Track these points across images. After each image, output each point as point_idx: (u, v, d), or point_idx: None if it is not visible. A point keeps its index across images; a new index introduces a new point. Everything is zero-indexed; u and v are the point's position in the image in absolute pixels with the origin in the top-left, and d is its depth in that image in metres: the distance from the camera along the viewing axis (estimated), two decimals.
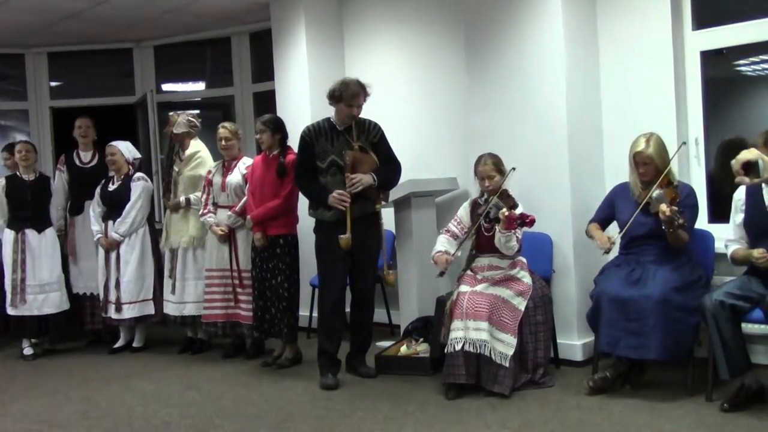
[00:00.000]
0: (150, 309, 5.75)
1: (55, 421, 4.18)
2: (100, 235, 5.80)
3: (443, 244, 4.55)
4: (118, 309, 5.69)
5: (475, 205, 4.57)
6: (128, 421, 4.13)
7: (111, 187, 5.86)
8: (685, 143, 4.47)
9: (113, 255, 5.76)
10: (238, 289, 5.36)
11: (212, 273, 5.45)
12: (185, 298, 5.61)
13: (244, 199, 5.30)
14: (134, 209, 5.75)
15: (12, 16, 6.36)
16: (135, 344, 5.88)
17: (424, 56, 5.88)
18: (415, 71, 5.94)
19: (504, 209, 4.17)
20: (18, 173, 5.98)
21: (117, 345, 5.92)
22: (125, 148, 5.93)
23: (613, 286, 4.07)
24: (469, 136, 5.23)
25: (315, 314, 5.79)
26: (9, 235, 5.85)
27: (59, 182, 6.18)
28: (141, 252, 5.77)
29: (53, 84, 7.73)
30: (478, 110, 5.13)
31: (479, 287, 4.30)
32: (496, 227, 4.28)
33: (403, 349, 4.94)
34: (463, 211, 4.62)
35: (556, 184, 4.75)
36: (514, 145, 4.79)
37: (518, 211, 4.22)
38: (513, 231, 4.23)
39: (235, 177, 5.39)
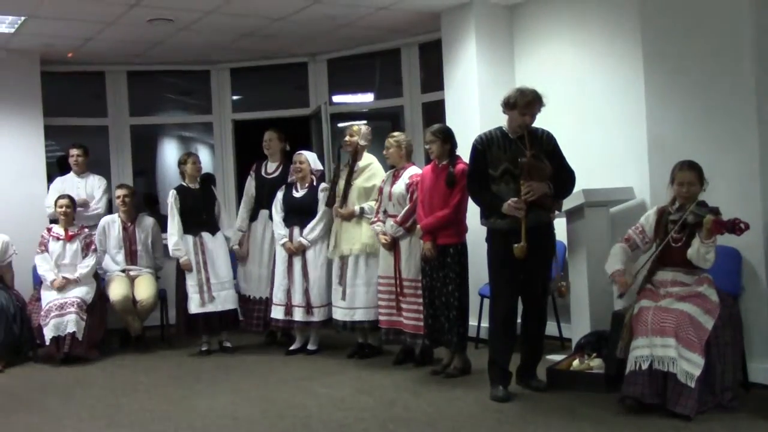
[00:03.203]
0: (330, 313, 5.93)
1: (238, 418, 4.40)
2: (285, 239, 6.01)
3: (620, 258, 4.37)
4: (309, 312, 5.91)
5: (663, 214, 4.36)
6: (305, 421, 4.27)
7: (296, 194, 6.09)
8: None
9: (298, 260, 5.97)
10: (400, 298, 5.42)
11: (382, 280, 5.56)
12: (355, 304, 5.73)
13: (406, 208, 5.36)
14: (326, 218, 5.96)
15: (199, 35, 6.81)
16: (309, 347, 6.08)
17: (598, 64, 5.71)
18: (589, 79, 5.77)
19: (708, 215, 3.95)
20: (184, 183, 6.38)
21: (293, 347, 6.15)
22: (312, 159, 6.18)
23: None
24: (647, 144, 5.02)
25: (484, 324, 5.79)
26: (188, 240, 6.24)
27: (248, 187, 6.55)
28: (326, 258, 5.98)
29: (235, 98, 8.18)
30: (657, 118, 4.92)
31: (663, 302, 4.10)
32: (698, 236, 4.06)
33: (576, 364, 4.80)
34: (647, 220, 4.43)
35: (745, 193, 4.45)
36: (697, 152, 4.53)
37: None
38: (714, 241, 3.99)
39: (399, 187, 5.47)
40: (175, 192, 6.33)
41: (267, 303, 6.25)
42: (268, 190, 6.33)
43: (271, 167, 6.48)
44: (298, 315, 5.93)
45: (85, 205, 6.84)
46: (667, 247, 4.26)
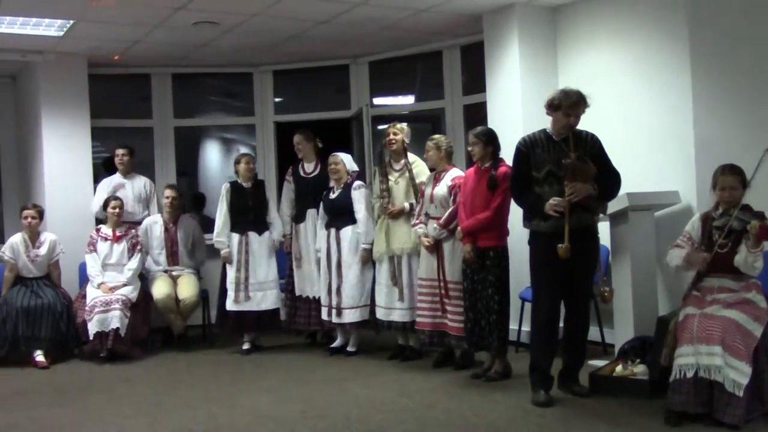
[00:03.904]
0: (367, 314, 5.94)
1: (278, 418, 4.42)
2: (318, 254, 6.09)
3: (681, 252, 4.31)
4: (339, 313, 5.93)
5: (707, 219, 4.28)
6: (345, 423, 4.28)
7: (332, 195, 6.12)
8: None
9: (335, 261, 5.99)
10: (445, 300, 5.40)
11: (422, 282, 5.54)
12: (411, 305, 5.73)
13: (449, 210, 5.35)
14: (371, 217, 5.96)
15: (242, 38, 6.88)
16: (349, 348, 6.09)
17: (643, 64, 5.63)
18: (634, 81, 5.69)
19: (754, 221, 3.87)
20: (238, 181, 6.45)
21: (333, 345, 6.18)
22: (347, 160, 6.20)
23: None
24: (693, 148, 4.94)
25: (524, 328, 5.74)
26: (234, 237, 6.31)
27: (286, 192, 6.60)
28: (360, 258, 5.97)
29: (277, 100, 8.24)
30: (705, 120, 4.84)
31: (709, 309, 4.02)
32: (744, 244, 3.98)
33: (619, 369, 4.73)
34: (692, 226, 4.35)
35: None
36: (745, 156, 4.43)
37: None
38: (762, 248, 3.91)
39: (441, 189, 5.45)
40: (228, 185, 6.42)
41: (318, 302, 6.27)
42: (311, 190, 6.38)
43: (309, 167, 6.52)
44: (332, 316, 5.97)
45: None
46: (714, 254, 4.17)
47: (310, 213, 6.37)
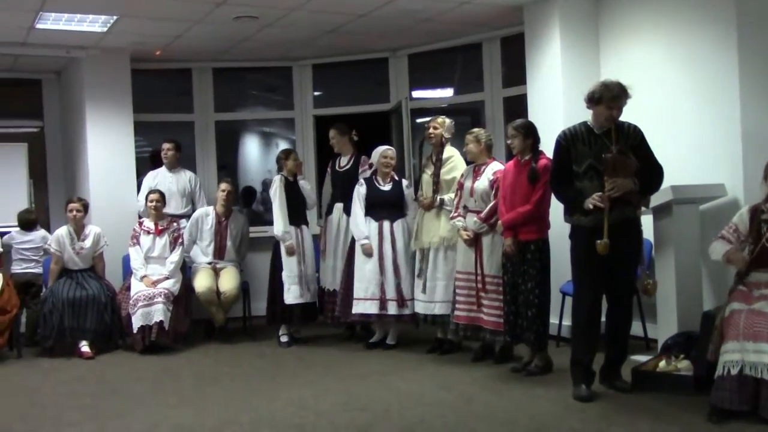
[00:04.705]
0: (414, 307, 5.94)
1: (319, 410, 4.45)
2: (367, 241, 5.98)
3: (725, 244, 4.23)
4: (402, 305, 5.91)
5: (756, 212, 4.20)
6: (386, 416, 4.30)
7: (384, 188, 6.08)
8: None
9: (389, 255, 5.96)
10: (481, 293, 5.38)
11: (460, 275, 5.53)
12: (435, 298, 5.72)
13: (491, 204, 5.31)
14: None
15: (283, 32, 6.91)
16: (388, 341, 6.10)
17: (688, 54, 5.52)
18: (678, 71, 5.59)
19: None
20: (283, 175, 6.48)
21: (373, 340, 6.19)
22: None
23: None
24: (741, 140, 4.84)
25: (565, 322, 5.70)
26: (291, 229, 6.32)
27: (327, 184, 6.66)
28: (409, 252, 5.99)
29: (316, 93, 8.26)
30: (753, 111, 4.74)
31: (757, 305, 3.94)
32: None
33: (662, 365, 4.67)
34: (740, 218, 4.27)
35: None
36: None
37: None
38: None
39: (482, 183, 5.42)
40: (282, 178, 6.37)
41: (340, 295, 6.29)
42: (342, 183, 6.41)
43: (344, 161, 6.56)
44: (393, 308, 5.93)
45: None
46: (762, 248, 4.09)
47: (338, 207, 6.41)
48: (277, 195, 6.27)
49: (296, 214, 6.38)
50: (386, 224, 6.01)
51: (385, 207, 6.05)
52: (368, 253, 5.96)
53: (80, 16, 6.21)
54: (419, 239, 5.83)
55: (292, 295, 6.21)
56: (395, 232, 6.00)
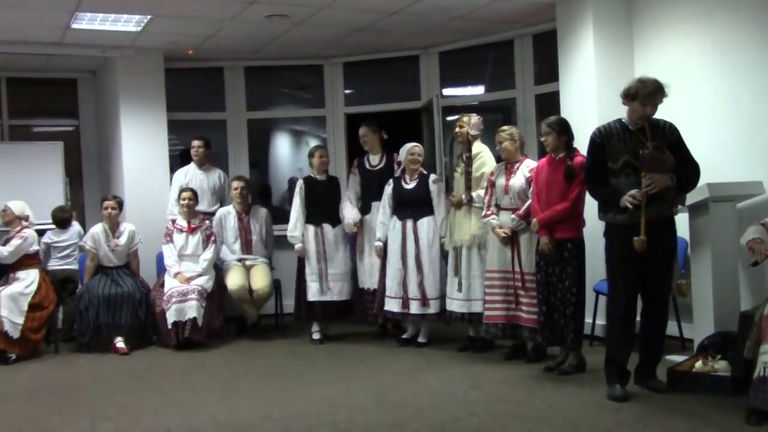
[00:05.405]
0: (443, 306, 5.91)
1: (352, 407, 4.46)
2: (380, 243, 6.09)
3: (757, 231, 4.17)
4: (425, 304, 5.92)
5: None
6: (418, 413, 4.29)
7: (408, 186, 6.09)
8: None
9: (411, 253, 5.97)
10: (520, 292, 5.34)
11: (493, 274, 5.49)
12: (472, 296, 5.69)
13: (528, 202, 5.28)
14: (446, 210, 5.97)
15: (314, 30, 6.93)
16: (420, 339, 6.10)
17: (726, 51, 5.43)
18: (715, 67, 5.50)
19: None
20: (312, 174, 6.52)
21: (405, 336, 6.20)
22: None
23: None
24: None
25: (598, 321, 5.65)
26: (310, 229, 6.39)
27: (352, 184, 6.64)
28: (437, 250, 5.98)
29: (347, 91, 8.28)
30: None
31: None
32: None
33: (698, 365, 4.61)
34: None
35: None
36: None
37: None
38: None
39: (518, 180, 5.39)
40: (302, 182, 6.52)
41: (378, 293, 6.30)
42: (377, 182, 6.40)
43: (374, 160, 6.55)
44: (414, 307, 5.95)
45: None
46: None
47: (375, 206, 6.39)
48: (295, 197, 6.49)
49: (318, 213, 6.43)
50: (409, 223, 6.02)
51: (408, 205, 6.05)
52: (378, 255, 6.16)
53: (115, 15, 6.29)
54: (452, 237, 5.82)
55: (311, 292, 6.31)
56: (419, 231, 5.99)
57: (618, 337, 4.47)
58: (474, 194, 5.71)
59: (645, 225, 4.23)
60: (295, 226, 6.42)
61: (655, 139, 4.32)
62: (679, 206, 4.57)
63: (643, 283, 4.45)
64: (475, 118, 5.84)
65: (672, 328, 5.31)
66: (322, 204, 6.45)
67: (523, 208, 5.31)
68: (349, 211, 6.44)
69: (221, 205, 7.18)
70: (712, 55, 5.54)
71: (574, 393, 4.57)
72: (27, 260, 6.32)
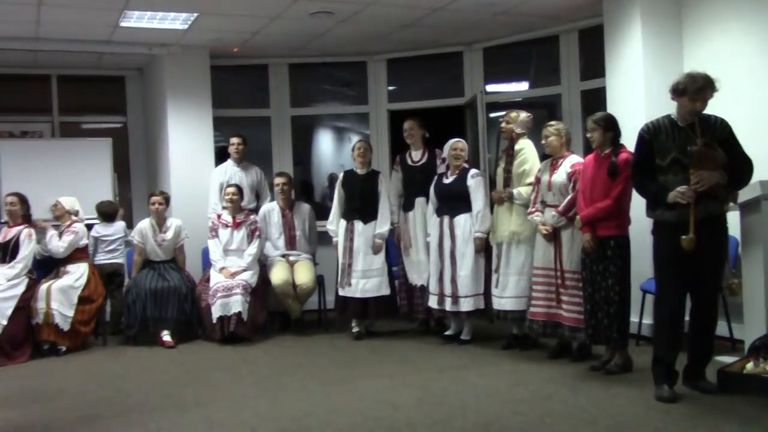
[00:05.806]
0: (482, 303, 5.90)
1: (395, 403, 4.46)
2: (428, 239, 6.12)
3: None
4: (455, 302, 5.92)
5: None
6: (461, 411, 4.27)
7: (446, 180, 6.08)
8: None
9: (448, 249, 5.97)
10: (561, 290, 5.29)
11: (538, 271, 5.45)
12: (505, 293, 5.67)
13: (568, 198, 5.23)
14: (488, 205, 5.94)
15: (358, 27, 6.95)
16: (463, 336, 6.07)
17: None
18: (767, 61, 5.37)
19: None
20: (354, 168, 6.54)
21: (447, 333, 6.18)
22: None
23: None
24: None
25: (645, 321, 5.56)
26: (342, 224, 6.45)
27: (394, 181, 6.64)
28: (473, 247, 5.94)
29: (390, 88, 8.28)
30: None
31: None
32: None
33: (749, 367, 4.50)
34: None
35: None
36: None
37: None
38: None
39: (560, 176, 5.34)
40: (341, 175, 6.61)
41: (423, 290, 6.30)
42: (421, 178, 6.38)
43: (416, 155, 6.53)
44: (447, 304, 5.95)
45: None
46: None
47: (419, 201, 6.38)
48: (336, 191, 6.62)
49: (351, 209, 6.46)
50: (446, 219, 6.00)
51: (445, 200, 6.04)
52: (426, 251, 6.23)
53: (162, 13, 6.38)
54: (495, 234, 5.80)
55: (339, 287, 6.38)
56: (455, 227, 5.96)
57: (666, 337, 4.39)
58: (514, 191, 5.67)
59: (694, 223, 4.16)
60: (333, 219, 6.56)
61: (704, 135, 4.23)
62: (731, 204, 4.47)
63: (692, 283, 4.36)
64: (523, 115, 5.79)
65: (722, 329, 5.20)
66: (355, 200, 6.47)
67: (563, 204, 5.26)
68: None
69: (258, 202, 7.23)
70: (764, 49, 5.41)
71: (621, 393, 4.51)
72: (77, 254, 6.46)
